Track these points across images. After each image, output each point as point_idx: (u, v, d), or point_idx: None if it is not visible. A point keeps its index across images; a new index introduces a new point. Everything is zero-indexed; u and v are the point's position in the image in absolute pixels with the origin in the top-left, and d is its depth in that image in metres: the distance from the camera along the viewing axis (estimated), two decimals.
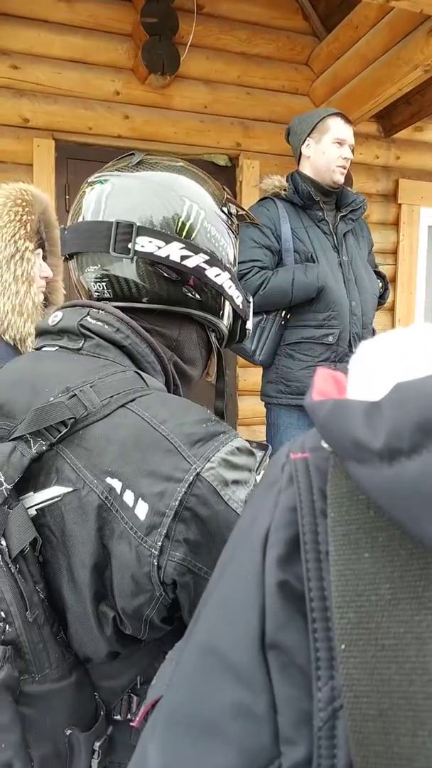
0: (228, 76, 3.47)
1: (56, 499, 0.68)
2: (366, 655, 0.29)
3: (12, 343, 1.54)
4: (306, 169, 2.47)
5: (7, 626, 0.65)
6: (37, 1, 3.10)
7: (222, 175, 3.57)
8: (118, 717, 0.75)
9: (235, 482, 0.68)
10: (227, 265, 0.88)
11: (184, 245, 0.81)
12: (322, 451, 0.37)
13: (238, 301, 0.92)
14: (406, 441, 0.28)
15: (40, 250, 1.59)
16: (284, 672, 0.32)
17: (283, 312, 2.41)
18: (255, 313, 2.41)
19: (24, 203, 1.53)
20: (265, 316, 2.41)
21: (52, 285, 1.68)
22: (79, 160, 3.18)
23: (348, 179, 3.46)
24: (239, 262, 2.50)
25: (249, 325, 0.97)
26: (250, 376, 3.52)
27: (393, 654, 0.29)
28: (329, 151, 2.39)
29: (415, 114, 3.61)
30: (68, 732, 0.69)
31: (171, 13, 3.12)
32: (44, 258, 1.62)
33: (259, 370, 2.67)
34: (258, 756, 0.32)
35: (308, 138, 2.43)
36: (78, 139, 3.23)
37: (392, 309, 3.93)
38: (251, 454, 0.73)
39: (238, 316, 0.95)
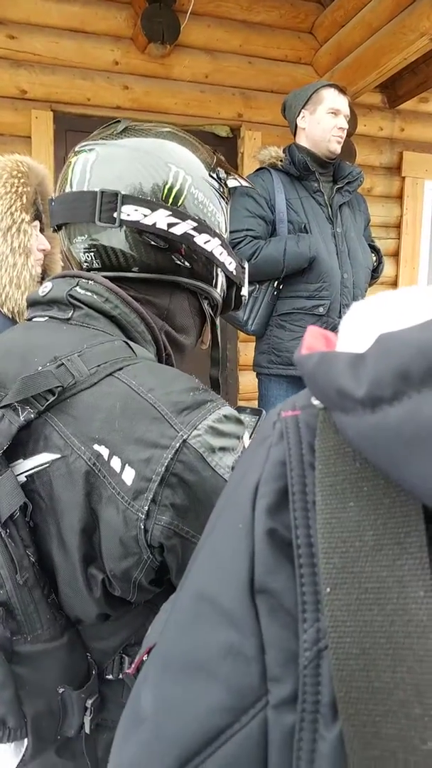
0: (229, 44, 3.41)
1: (45, 466, 0.70)
2: (350, 597, 0.31)
3: (10, 316, 1.54)
4: (302, 140, 2.48)
5: None
6: None
7: (223, 146, 3.53)
8: (110, 677, 0.77)
9: (222, 449, 0.69)
10: (217, 231, 0.87)
11: (170, 212, 0.80)
12: (312, 409, 0.38)
13: (231, 267, 0.91)
14: (387, 389, 0.29)
15: (37, 222, 1.58)
16: (272, 615, 0.34)
17: (276, 282, 2.43)
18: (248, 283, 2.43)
19: (20, 175, 1.52)
20: (257, 286, 2.43)
21: (50, 257, 1.67)
22: (78, 132, 3.14)
23: (351, 152, 3.43)
24: (232, 231, 2.48)
25: (244, 291, 0.97)
26: (251, 351, 3.51)
27: (375, 596, 0.30)
28: (324, 121, 2.41)
29: (420, 84, 3.55)
30: (61, 690, 0.71)
31: None
32: (41, 230, 1.61)
33: None
34: (247, 694, 0.33)
35: (303, 110, 2.45)
36: (77, 111, 3.20)
37: (395, 283, 3.90)
38: (239, 421, 0.73)
39: (233, 283, 0.94)
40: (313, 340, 0.39)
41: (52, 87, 3.13)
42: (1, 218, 1.50)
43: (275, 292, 2.44)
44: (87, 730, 0.74)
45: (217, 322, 0.96)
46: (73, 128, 3.19)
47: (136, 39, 3.20)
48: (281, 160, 2.48)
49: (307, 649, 0.32)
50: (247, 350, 3.55)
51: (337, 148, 2.44)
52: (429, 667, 0.28)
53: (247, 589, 0.35)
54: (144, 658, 0.43)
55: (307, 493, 0.35)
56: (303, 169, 2.43)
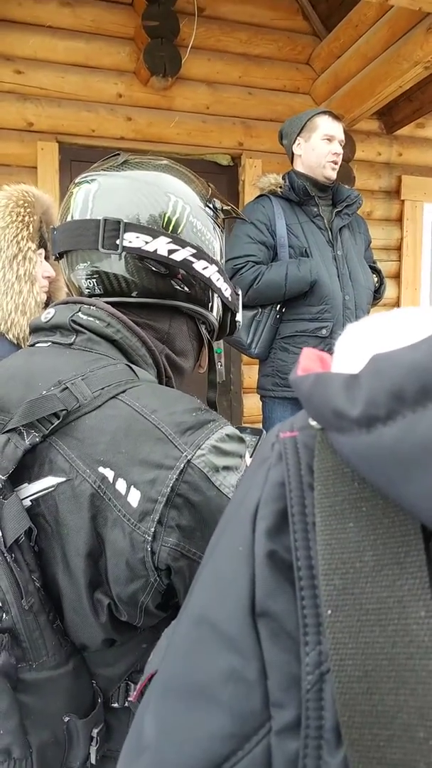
0: (229, 76, 3.50)
1: (50, 489, 0.70)
2: (351, 619, 0.31)
3: (15, 342, 1.56)
4: (299, 167, 2.53)
5: (4, 614, 0.67)
6: (41, 7, 3.15)
7: (224, 175, 3.61)
8: (116, 705, 0.76)
9: (226, 468, 0.69)
10: (214, 258, 0.89)
11: (170, 239, 0.83)
12: (310, 429, 0.38)
13: (227, 293, 0.94)
14: (382, 408, 0.29)
15: (42, 250, 1.62)
16: (274, 638, 0.34)
17: (279, 306, 2.46)
18: (251, 307, 2.46)
19: (26, 204, 1.56)
20: (260, 309, 2.46)
21: (55, 284, 1.70)
22: (82, 162, 3.22)
23: (350, 177, 3.49)
24: (235, 257, 2.53)
25: (239, 317, 0.99)
26: (255, 374, 3.54)
27: (377, 618, 0.30)
28: (319, 148, 2.46)
29: (416, 110, 3.63)
30: (66, 719, 0.70)
31: (172, 16, 3.16)
32: (46, 258, 1.65)
33: None
34: (249, 719, 0.33)
35: (298, 137, 2.50)
36: (81, 142, 3.28)
37: (397, 305, 3.93)
38: (241, 440, 0.74)
39: (228, 309, 0.96)
40: (308, 361, 0.39)
41: (57, 119, 3.21)
42: (8, 246, 1.53)
43: (278, 316, 2.47)
44: (93, 760, 0.73)
45: (214, 346, 0.98)
46: (78, 158, 3.27)
47: (138, 73, 3.30)
48: (281, 187, 2.52)
49: (309, 672, 0.32)
50: (250, 373, 3.57)
51: (332, 174, 2.48)
52: (431, 688, 0.28)
53: (248, 613, 0.35)
54: (146, 685, 0.42)
55: (306, 515, 0.35)
56: (303, 194, 2.48)
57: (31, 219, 1.56)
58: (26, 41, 3.14)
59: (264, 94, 3.58)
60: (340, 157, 2.49)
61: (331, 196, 2.56)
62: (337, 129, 2.48)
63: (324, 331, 2.42)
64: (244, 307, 2.46)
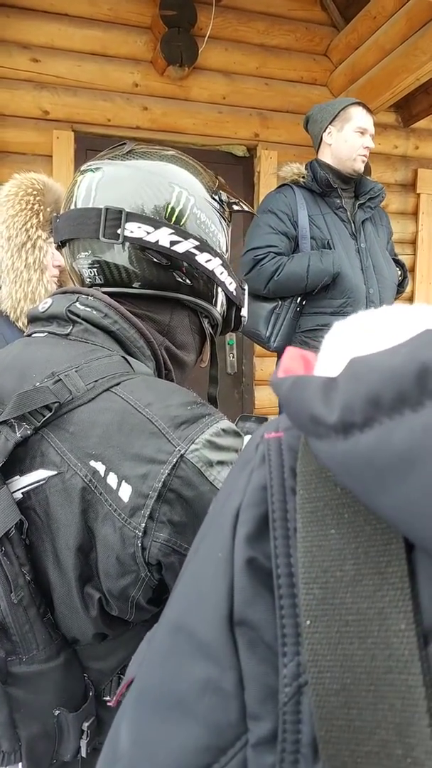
0: (246, 67, 3.48)
1: (41, 483, 0.69)
2: (330, 630, 0.30)
3: (24, 330, 1.57)
4: (326, 156, 2.47)
5: None
6: None
7: (240, 166, 3.59)
8: (107, 698, 0.75)
9: (220, 463, 0.68)
10: (218, 251, 0.88)
11: (173, 231, 0.82)
12: (295, 430, 0.37)
13: (231, 287, 0.92)
14: (358, 415, 0.28)
15: (52, 239, 1.62)
16: (251, 648, 0.33)
17: (299, 298, 2.42)
18: (270, 299, 2.43)
19: (35, 192, 1.54)
20: (280, 302, 2.42)
21: (66, 274, 1.70)
22: (97, 151, 3.17)
23: (366, 168, 3.46)
24: (255, 247, 2.50)
25: (244, 312, 0.97)
26: (268, 366, 3.55)
27: (356, 629, 0.29)
28: (351, 140, 2.41)
29: None
30: (56, 712, 0.70)
31: (189, 5, 3.14)
32: (58, 247, 1.64)
33: (276, 359, 2.68)
34: (225, 732, 0.32)
35: (330, 126, 2.44)
36: (97, 131, 3.27)
37: (411, 299, 3.91)
38: (237, 435, 0.73)
39: (233, 304, 0.95)
40: (290, 362, 0.38)
41: (73, 108, 3.21)
42: (17, 234, 1.52)
43: (298, 309, 2.43)
44: (83, 753, 0.72)
45: (226, 338, 0.97)
46: (93, 148, 3.26)
47: (155, 62, 3.29)
48: (303, 177, 2.48)
49: (287, 684, 0.31)
50: (263, 365, 3.57)
51: (361, 167, 2.44)
52: (410, 704, 0.27)
53: (225, 622, 0.34)
54: (126, 690, 0.41)
55: (288, 520, 0.34)
56: (325, 185, 2.43)
57: (41, 207, 1.55)
58: (43, 29, 3.14)
59: (281, 85, 3.55)
60: (369, 151, 2.44)
61: (353, 188, 2.52)
62: (369, 122, 2.43)
63: None
64: (264, 299, 2.43)
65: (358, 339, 0.35)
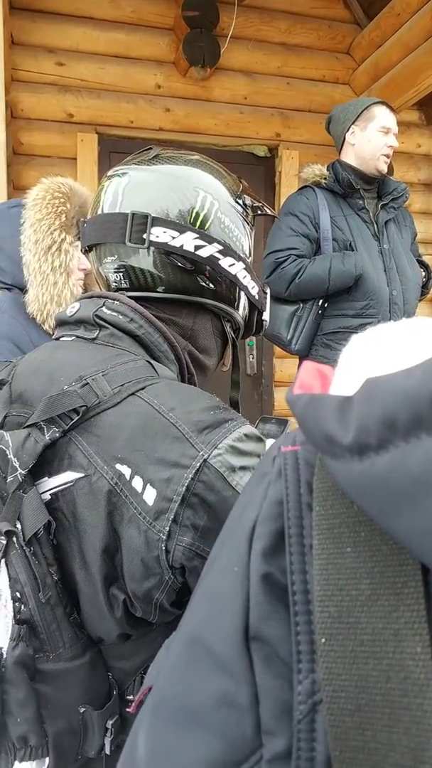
0: (268, 66, 3.48)
1: (69, 485, 0.70)
2: (345, 649, 0.29)
3: (51, 333, 1.59)
4: (349, 156, 2.45)
5: (22, 606, 0.68)
6: None
7: (261, 167, 3.59)
8: (131, 697, 0.76)
9: (243, 468, 0.69)
10: (242, 255, 0.89)
11: (197, 235, 0.82)
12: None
13: (254, 291, 0.93)
14: (373, 437, 0.28)
15: (78, 243, 1.65)
16: (267, 663, 0.33)
17: (321, 301, 2.40)
18: (292, 302, 2.42)
19: (61, 196, 1.56)
20: (302, 304, 2.41)
21: (91, 277, 1.70)
22: (121, 153, 3.23)
23: (389, 169, 3.44)
24: (277, 250, 2.48)
25: (266, 316, 0.98)
26: (287, 367, 3.55)
27: (371, 649, 0.29)
28: (375, 139, 2.38)
29: None
30: (82, 710, 0.71)
31: (211, 5, 3.15)
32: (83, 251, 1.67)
33: (297, 361, 2.67)
34: (240, 746, 0.32)
35: (353, 125, 2.42)
36: (120, 133, 3.31)
37: None
38: (260, 440, 0.73)
39: (255, 307, 0.95)
40: (307, 376, 0.37)
41: (97, 110, 3.24)
42: (43, 238, 1.54)
43: (320, 311, 2.41)
44: (107, 751, 0.73)
45: (246, 339, 0.97)
46: (117, 150, 3.30)
47: (177, 63, 3.30)
48: (325, 178, 2.46)
49: (301, 702, 0.31)
50: (282, 366, 3.58)
51: (384, 167, 2.41)
52: (425, 729, 0.27)
53: (241, 636, 0.34)
54: (145, 696, 0.41)
55: (304, 536, 0.34)
56: (347, 186, 2.41)
57: (65, 209, 1.57)
58: (68, 33, 3.18)
59: (303, 84, 3.55)
60: (393, 151, 2.42)
61: (376, 189, 2.50)
62: (393, 121, 2.41)
63: (369, 328, 2.36)
64: (285, 302, 2.42)
65: (374, 356, 0.34)
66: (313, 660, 0.31)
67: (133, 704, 0.50)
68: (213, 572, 0.39)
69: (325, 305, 2.42)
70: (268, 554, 0.35)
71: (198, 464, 0.66)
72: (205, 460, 0.66)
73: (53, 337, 0.89)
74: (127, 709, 0.75)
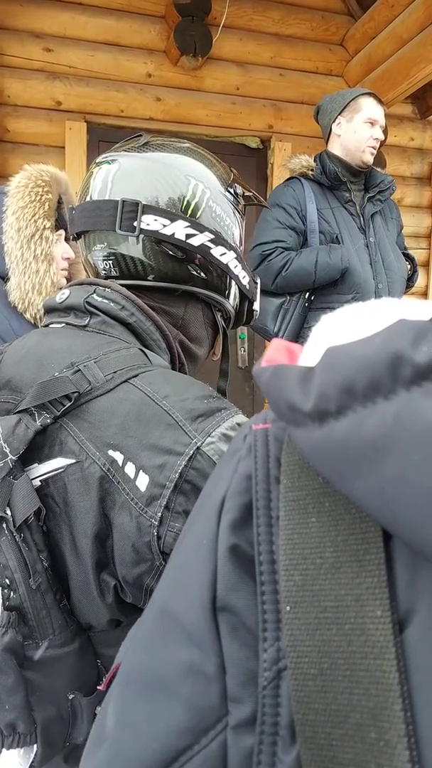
0: (261, 57, 3.44)
1: (60, 471, 0.70)
2: (309, 616, 0.30)
3: (32, 322, 1.57)
4: (335, 148, 2.44)
5: (12, 593, 0.67)
6: None
7: (253, 158, 3.56)
8: None
9: None
10: (233, 244, 0.88)
11: (189, 224, 0.82)
12: (281, 422, 0.37)
13: (244, 281, 0.92)
14: (333, 402, 0.29)
15: (62, 231, 1.62)
16: (233, 633, 0.34)
17: (307, 294, 2.40)
18: (278, 295, 2.41)
19: (43, 183, 1.56)
20: (288, 297, 2.40)
21: (75, 266, 1.70)
22: (110, 143, 3.16)
23: (381, 161, 3.42)
24: (263, 243, 2.46)
25: (256, 306, 0.98)
26: None
27: (334, 615, 0.30)
28: (360, 131, 2.37)
29: None
30: (71, 696, 0.71)
31: None
32: (67, 239, 1.64)
33: None
34: (207, 714, 0.33)
35: (339, 116, 2.40)
36: (110, 122, 3.26)
37: (425, 294, 3.87)
38: None
39: (246, 297, 0.95)
40: (274, 352, 0.38)
41: (86, 98, 3.20)
42: (26, 226, 1.53)
43: (306, 304, 2.41)
44: None
45: (237, 332, 0.97)
46: (106, 139, 3.25)
47: (168, 52, 3.26)
48: (312, 170, 2.45)
49: (266, 669, 0.32)
50: None
51: (370, 159, 2.40)
52: (384, 689, 0.28)
53: (208, 607, 0.35)
54: (114, 674, 0.42)
55: (271, 509, 0.35)
56: (334, 178, 2.40)
57: (48, 197, 1.56)
58: (56, 18, 3.13)
59: (296, 75, 3.52)
60: (379, 143, 2.40)
61: (363, 181, 2.49)
62: (380, 113, 2.39)
63: None
64: (272, 294, 2.41)
65: (340, 330, 0.35)
66: (279, 628, 0.32)
67: (104, 681, 0.50)
68: (183, 546, 0.40)
69: (312, 298, 2.41)
70: (237, 527, 0.36)
71: (191, 451, 0.67)
72: (198, 448, 0.67)
73: (42, 324, 0.88)
74: (99, 687, 0.75)
